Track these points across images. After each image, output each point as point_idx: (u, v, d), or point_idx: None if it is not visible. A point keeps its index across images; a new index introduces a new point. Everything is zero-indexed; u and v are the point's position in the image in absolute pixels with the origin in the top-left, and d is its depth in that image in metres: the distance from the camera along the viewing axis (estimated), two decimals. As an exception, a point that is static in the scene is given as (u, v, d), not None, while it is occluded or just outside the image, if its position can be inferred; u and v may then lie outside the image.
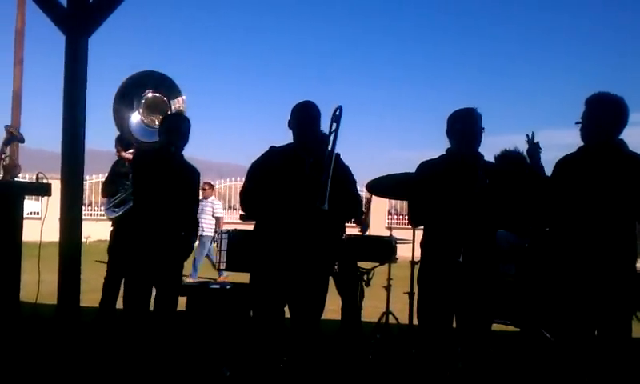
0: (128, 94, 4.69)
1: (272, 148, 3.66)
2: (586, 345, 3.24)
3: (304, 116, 3.59)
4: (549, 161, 3.57)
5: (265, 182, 3.52)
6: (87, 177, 7.59)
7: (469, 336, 3.38)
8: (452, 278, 3.30)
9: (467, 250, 3.23)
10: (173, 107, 4.76)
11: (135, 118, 4.77)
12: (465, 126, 3.41)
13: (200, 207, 7.24)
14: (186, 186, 4.24)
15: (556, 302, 3.36)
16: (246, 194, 3.64)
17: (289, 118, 3.62)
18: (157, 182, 4.06)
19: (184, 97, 4.83)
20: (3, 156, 5.16)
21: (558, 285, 3.33)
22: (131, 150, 5.05)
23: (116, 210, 5.26)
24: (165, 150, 4.07)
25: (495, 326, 3.73)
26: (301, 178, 3.44)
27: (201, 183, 5.67)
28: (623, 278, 3.17)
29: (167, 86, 4.83)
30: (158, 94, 4.86)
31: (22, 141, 5.73)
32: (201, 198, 6.80)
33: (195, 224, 4.53)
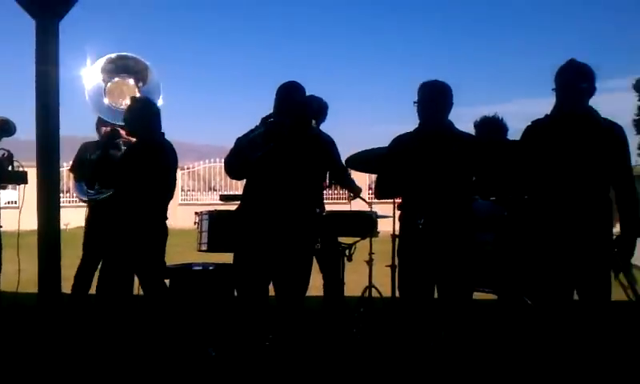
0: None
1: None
2: (565, 310, 3.29)
3: (287, 96, 3.60)
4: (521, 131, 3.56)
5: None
6: (65, 164, 7.41)
7: (450, 306, 3.42)
8: (423, 246, 3.34)
9: (429, 216, 3.26)
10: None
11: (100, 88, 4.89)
12: (424, 98, 3.40)
13: None
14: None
15: (535, 270, 3.40)
16: (229, 155, 3.63)
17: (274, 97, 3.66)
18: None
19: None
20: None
21: (536, 253, 3.37)
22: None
23: (103, 191, 4.99)
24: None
25: (477, 295, 3.78)
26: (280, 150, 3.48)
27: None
28: (601, 243, 3.22)
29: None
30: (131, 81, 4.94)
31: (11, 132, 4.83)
32: None
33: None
